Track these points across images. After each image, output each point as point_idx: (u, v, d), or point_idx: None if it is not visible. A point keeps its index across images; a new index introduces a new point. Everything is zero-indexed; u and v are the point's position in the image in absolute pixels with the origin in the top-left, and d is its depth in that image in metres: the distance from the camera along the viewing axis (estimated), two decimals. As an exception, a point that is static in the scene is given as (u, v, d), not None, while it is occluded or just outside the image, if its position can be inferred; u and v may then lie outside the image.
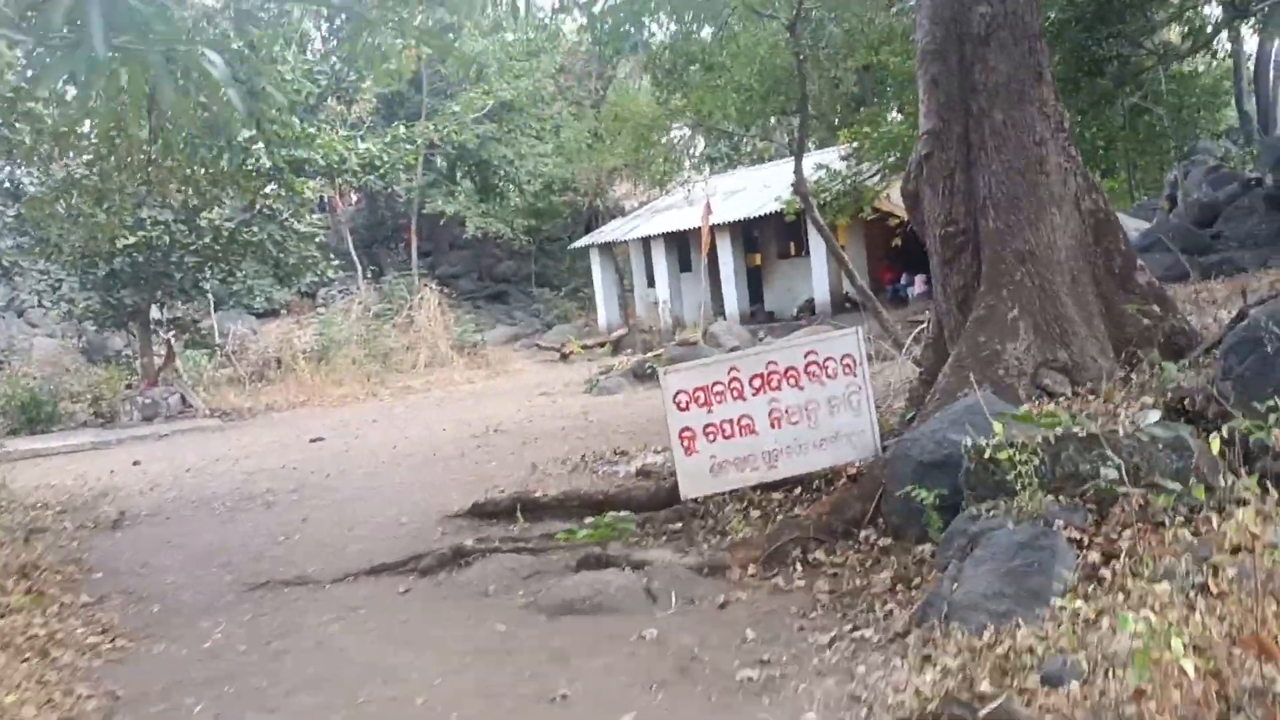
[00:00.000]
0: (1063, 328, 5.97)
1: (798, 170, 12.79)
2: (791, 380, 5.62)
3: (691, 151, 35.58)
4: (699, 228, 23.64)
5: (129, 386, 21.42)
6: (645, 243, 26.41)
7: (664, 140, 32.06)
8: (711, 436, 5.60)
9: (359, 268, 30.36)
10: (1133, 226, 22.09)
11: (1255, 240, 19.33)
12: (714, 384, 5.53)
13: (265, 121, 9.75)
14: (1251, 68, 27.50)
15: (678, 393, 5.54)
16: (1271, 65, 27.47)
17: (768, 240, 25.06)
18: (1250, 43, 26.01)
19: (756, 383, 5.60)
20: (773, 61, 14.12)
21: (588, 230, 33.60)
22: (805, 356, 5.66)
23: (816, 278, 22.00)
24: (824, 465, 5.87)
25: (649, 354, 18.36)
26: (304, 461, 12.43)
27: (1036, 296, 5.95)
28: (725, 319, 22.61)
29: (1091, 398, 5.64)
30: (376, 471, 10.74)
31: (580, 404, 15.45)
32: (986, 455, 4.60)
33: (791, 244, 24.49)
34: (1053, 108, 6.22)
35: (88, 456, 16.65)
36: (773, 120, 34.28)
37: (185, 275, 20.61)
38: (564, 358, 24.95)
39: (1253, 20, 21.46)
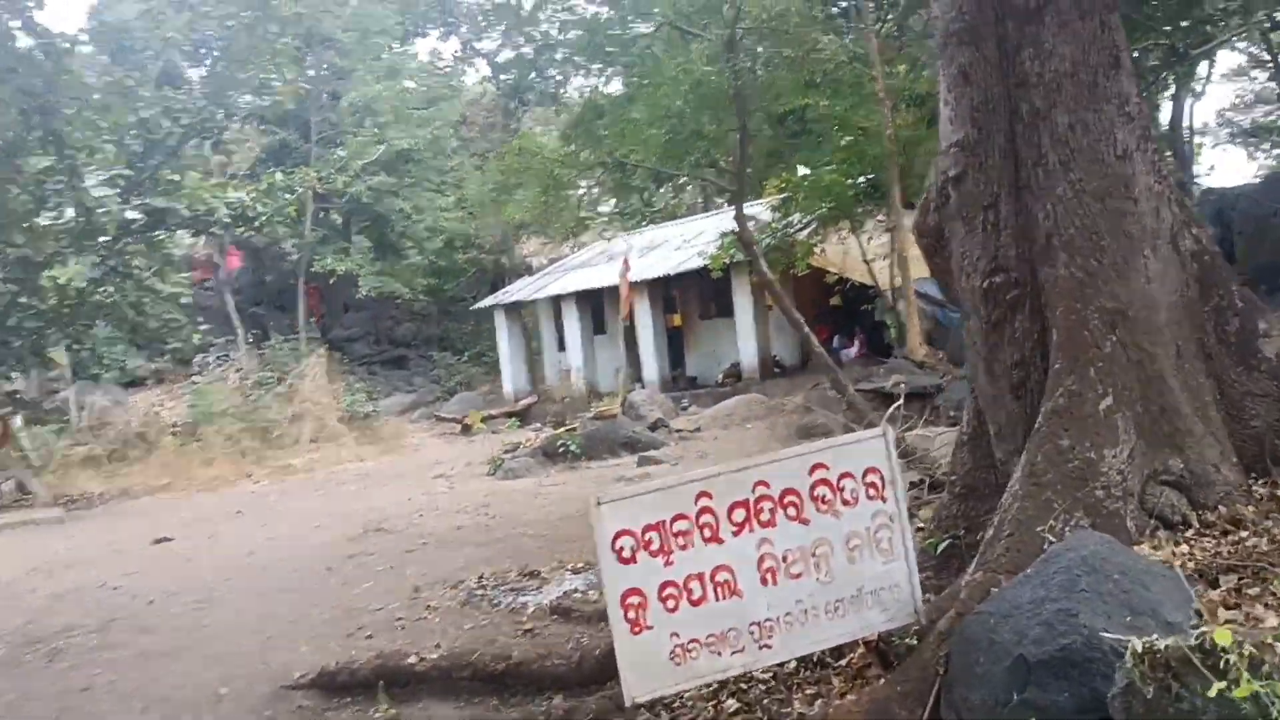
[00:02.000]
0: (1173, 423, 4.12)
1: (739, 214, 11.00)
2: (791, 510, 3.61)
3: (599, 207, 33.90)
4: (616, 286, 21.75)
5: (-46, 472, 18.42)
6: (556, 303, 24.41)
7: (573, 194, 30.38)
8: (671, 603, 3.53)
9: (240, 332, 27.66)
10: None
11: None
12: (674, 519, 3.48)
13: (67, 146, 7.53)
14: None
15: (619, 535, 3.47)
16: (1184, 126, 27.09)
17: (689, 300, 23.28)
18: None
19: (739, 515, 3.57)
20: (700, 92, 12.35)
21: (493, 290, 31.46)
22: (811, 473, 3.65)
23: (742, 340, 20.22)
24: (842, 639, 3.85)
25: (560, 429, 16.22)
26: (133, 577, 9.92)
27: (1135, 377, 4.09)
28: (644, 386, 20.63)
29: (1237, 530, 3.77)
30: (214, 598, 8.34)
31: (482, 491, 13.20)
32: (1171, 670, 2.62)
33: (714, 304, 22.75)
34: (1136, 107, 4.41)
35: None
36: (684, 179, 32.95)
37: (25, 341, 17.79)
38: (466, 430, 22.62)
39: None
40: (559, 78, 38.69)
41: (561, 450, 14.67)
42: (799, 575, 3.66)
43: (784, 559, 3.65)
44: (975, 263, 4.34)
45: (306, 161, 25.95)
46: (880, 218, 17.25)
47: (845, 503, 3.71)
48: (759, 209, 19.59)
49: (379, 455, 20.59)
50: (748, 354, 20.13)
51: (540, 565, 7.82)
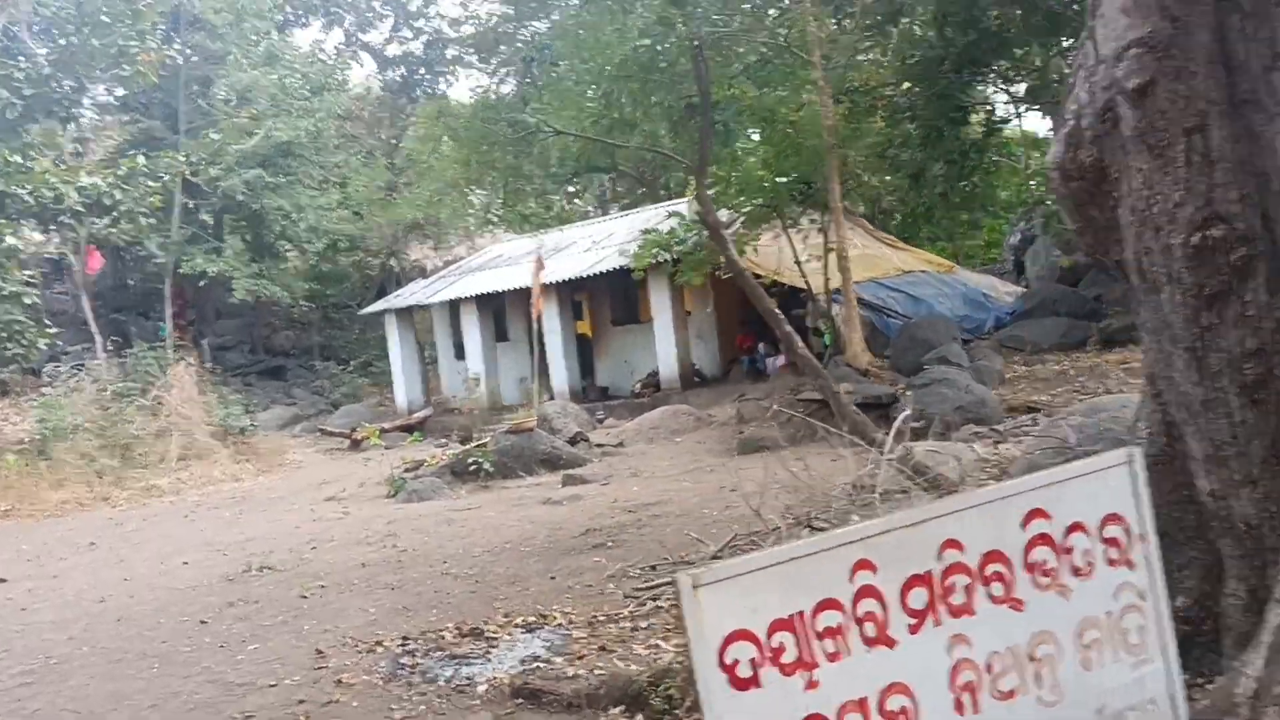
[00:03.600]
0: None
1: (701, 193, 9.64)
2: (997, 586, 2.23)
3: (492, 209, 32.20)
4: (519, 290, 20.15)
5: None
6: (453, 307, 22.64)
7: (470, 195, 28.69)
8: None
9: (98, 339, 24.95)
10: (1003, 289, 20.33)
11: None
12: (819, 609, 2.08)
13: None
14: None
15: (731, 639, 2.04)
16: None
17: (598, 305, 21.84)
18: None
19: (918, 598, 2.18)
20: (640, 59, 10.85)
21: (380, 295, 29.44)
22: (1025, 525, 2.28)
23: (661, 347, 18.86)
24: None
25: (468, 444, 14.56)
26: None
27: None
28: (552, 397, 19.08)
29: None
30: (50, 668, 6.48)
31: (384, 518, 11.47)
32: None
33: (625, 309, 21.37)
34: None
35: None
36: (579, 184, 31.55)
37: None
38: (355, 445, 20.65)
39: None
40: (450, 76, 37.06)
41: (473, 468, 13.04)
42: (1011, 694, 2.27)
43: (988, 668, 2.26)
44: (1172, 210, 3.03)
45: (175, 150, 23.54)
46: (813, 216, 16.17)
47: (1076, 571, 2.35)
48: (665, 212, 18.37)
49: (257, 474, 18.54)
50: (667, 363, 18.78)
51: (478, 619, 6.24)
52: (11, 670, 6.50)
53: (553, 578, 7.30)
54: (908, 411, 6.92)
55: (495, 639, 5.77)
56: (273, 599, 7.80)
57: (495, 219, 26.22)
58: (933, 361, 13.15)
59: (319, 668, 5.73)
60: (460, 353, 23.09)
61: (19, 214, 15.33)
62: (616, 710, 4.28)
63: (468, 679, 5.15)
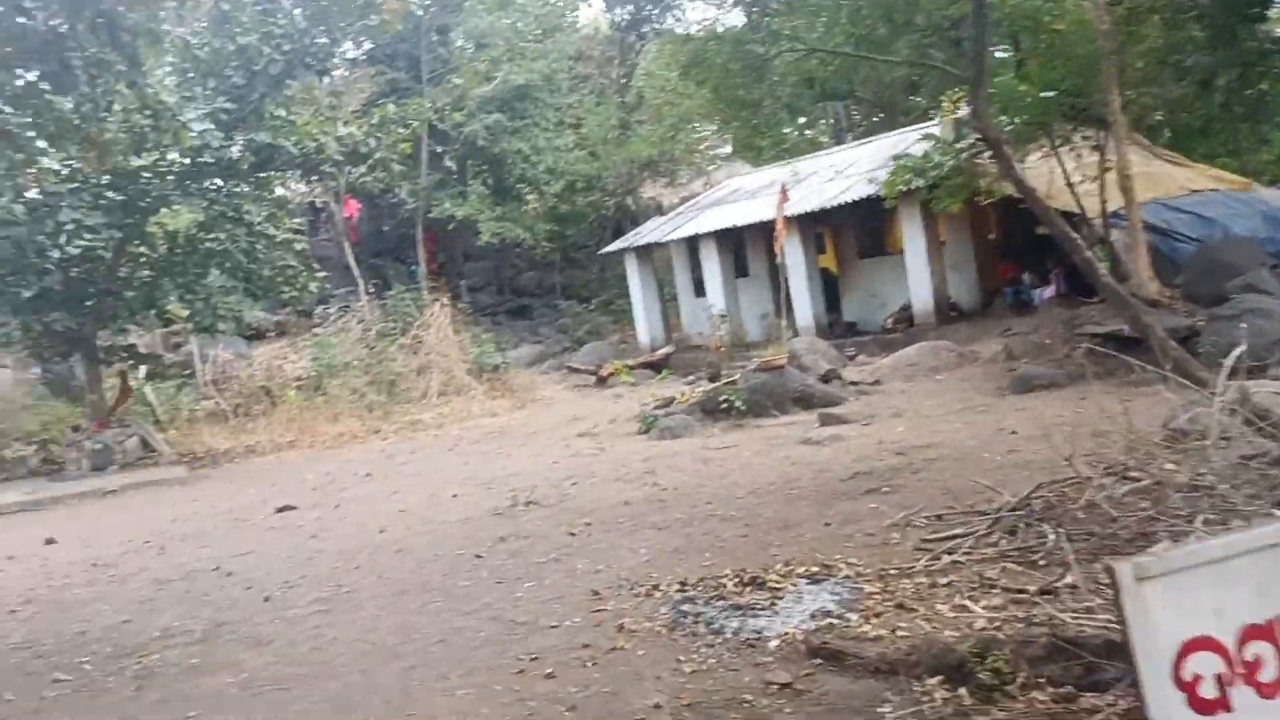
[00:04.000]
0: None
1: (977, 107, 8.75)
2: None
3: (726, 142, 31.64)
4: (760, 223, 19.64)
5: (76, 429, 17.59)
6: (691, 244, 22.41)
7: (704, 128, 28.30)
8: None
9: (360, 283, 26.50)
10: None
11: None
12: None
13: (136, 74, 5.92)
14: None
15: (1189, 648, 1.58)
16: None
17: (843, 237, 21.00)
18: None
19: None
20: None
21: (617, 235, 29.67)
22: None
23: (914, 280, 17.86)
24: None
25: (718, 381, 14.30)
26: (250, 559, 8.48)
27: None
28: (796, 333, 18.53)
29: None
30: (340, 597, 6.73)
31: (639, 455, 11.41)
32: None
33: (872, 240, 20.44)
34: None
35: (6, 526, 12.84)
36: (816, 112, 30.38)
37: (137, 293, 16.74)
38: (601, 381, 20.95)
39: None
40: (678, 11, 36.51)
41: (724, 406, 12.78)
42: None
43: None
44: None
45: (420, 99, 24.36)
46: (1086, 133, 14.69)
47: None
48: (916, 136, 17.21)
49: (511, 410, 19.09)
50: (920, 296, 17.78)
51: (755, 565, 5.93)
52: (308, 597, 6.79)
53: (827, 524, 6.89)
54: (1242, 346, 5.96)
55: (779, 589, 5.43)
56: (542, 535, 7.82)
57: (729, 153, 25.70)
58: (1237, 289, 11.64)
59: (597, 610, 5.59)
60: (700, 289, 22.89)
61: (285, 165, 16.19)
62: (934, 680, 3.83)
63: (756, 633, 4.84)
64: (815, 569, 5.71)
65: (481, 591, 6.36)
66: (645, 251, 23.45)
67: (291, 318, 27.13)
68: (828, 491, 7.99)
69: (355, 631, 5.80)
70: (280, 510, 10.99)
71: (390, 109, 16.02)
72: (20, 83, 5.92)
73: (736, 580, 5.63)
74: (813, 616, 4.93)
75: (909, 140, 17.62)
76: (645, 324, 23.21)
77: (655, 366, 21.10)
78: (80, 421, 18.01)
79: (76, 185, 14.46)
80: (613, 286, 30.03)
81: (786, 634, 4.72)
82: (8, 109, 6.44)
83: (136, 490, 14.79)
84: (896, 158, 15.26)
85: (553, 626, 5.40)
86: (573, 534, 7.69)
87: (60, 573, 8.96)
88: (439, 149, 26.52)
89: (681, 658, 4.65)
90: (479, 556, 7.33)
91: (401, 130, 16.21)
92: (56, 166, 13.30)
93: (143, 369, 19.18)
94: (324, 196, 27.30)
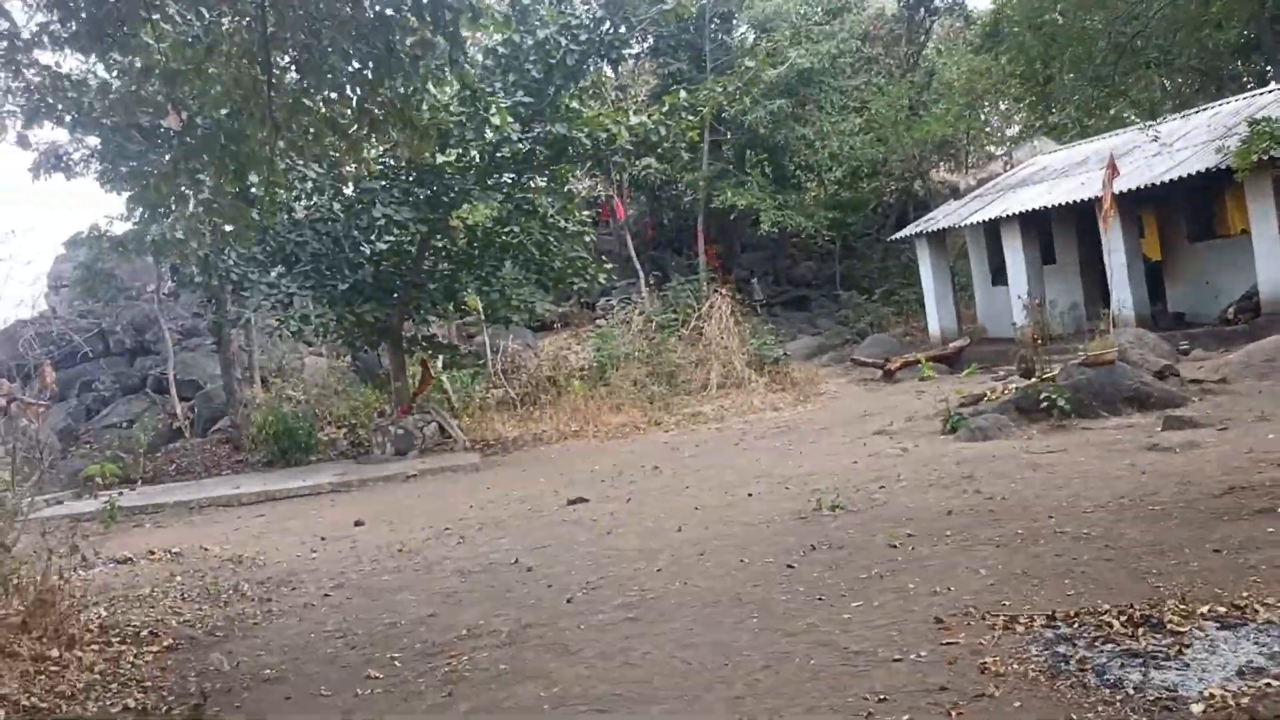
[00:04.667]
0: None
1: None
2: None
3: (1027, 119, 29.28)
4: (1072, 204, 17.81)
5: (381, 414, 18.58)
6: (989, 229, 20.77)
7: (1004, 105, 26.32)
8: None
9: (640, 274, 26.66)
10: None
11: None
12: None
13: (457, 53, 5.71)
14: None
15: None
16: None
17: (1169, 218, 18.72)
18: None
19: None
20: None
21: (900, 222, 28.20)
22: None
23: (1263, 264, 15.52)
24: None
25: (1032, 376, 12.92)
26: (548, 553, 8.27)
27: None
28: (1115, 325, 16.62)
29: None
30: (646, 603, 6.27)
31: (949, 457, 10.39)
32: None
33: (1204, 222, 18.07)
34: None
35: (320, 505, 13.61)
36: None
37: (439, 285, 17.40)
38: (888, 376, 19.85)
39: None
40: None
41: (1044, 405, 11.46)
42: None
43: None
44: None
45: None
46: None
47: None
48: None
49: (794, 404, 18.39)
50: (1272, 282, 15.43)
51: (1137, 600, 4.91)
52: (613, 602, 6.40)
53: (1216, 550, 5.72)
54: None
55: (1181, 633, 4.41)
56: (857, 545, 7.06)
57: (1032, 129, 23.64)
58: None
59: (947, 643, 4.78)
60: (998, 278, 21.22)
61: (577, 157, 16.23)
62: None
63: (1168, 690, 3.87)
64: (1222, 609, 4.63)
65: (802, 609, 5.70)
66: (938, 238, 22.01)
67: (574, 309, 27.74)
68: (1201, 510, 6.72)
69: (669, 647, 5.30)
70: (573, 502, 10.85)
71: (682, 95, 15.67)
72: (351, 69, 5.86)
73: (1124, 619, 4.64)
74: (1240, 674, 3.91)
75: (1258, 105, 15.33)
76: (936, 315, 21.79)
77: (947, 360, 19.73)
78: (385, 407, 19.05)
79: (387, 183, 15.12)
80: (896, 276, 28.64)
81: (1212, 695, 3.73)
82: (334, 96, 6.44)
83: (434, 475, 15.31)
84: (1253, 123, 13.20)
85: (895, 659, 4.65)
86: (894, 546, 6.88)
87: (368, 556, 9.15)
88: (718, 138, 26.18)
89: (1074, 717, 3.77)
90: (791, 567, 6.68)
91: (690, 118, 15.83)
92: (372, 157, 13.88)
93: (440, 359, 20.01)
94: (607, 190, 27.66)
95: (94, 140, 14.57)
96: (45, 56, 6.75)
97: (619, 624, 5.88)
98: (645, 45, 28.18)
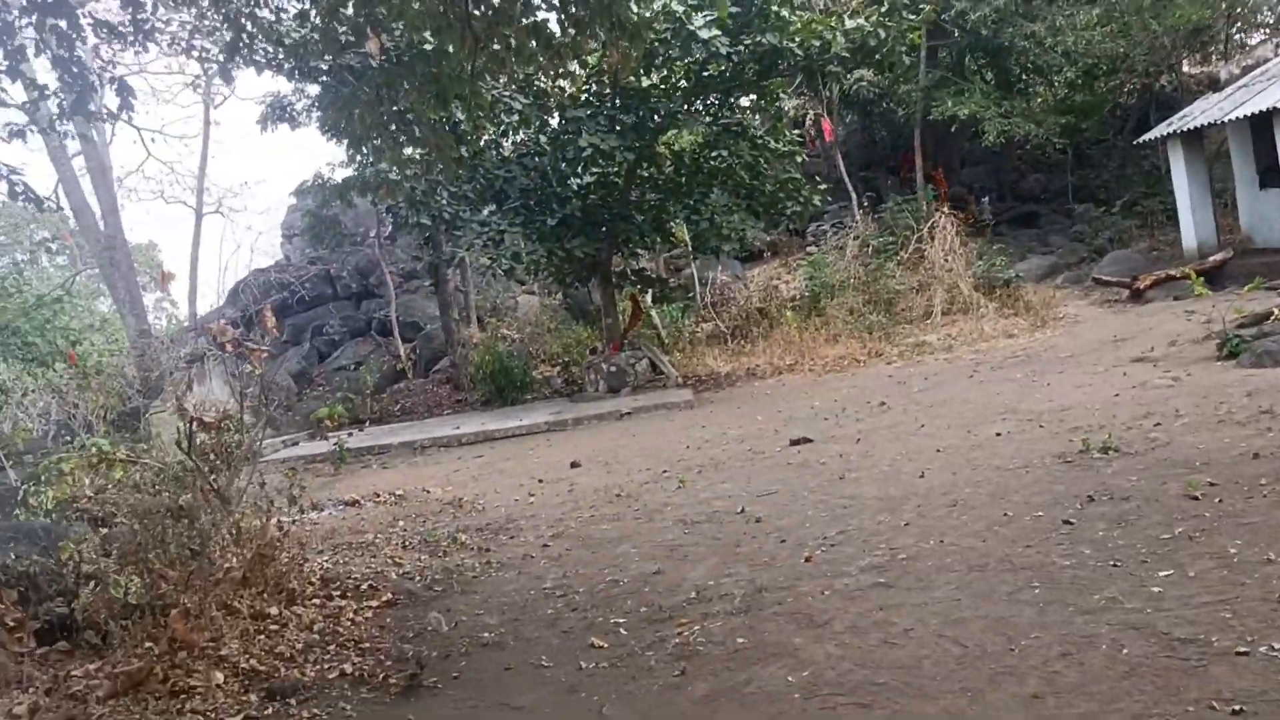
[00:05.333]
0: None
1: None
2: None
3: None
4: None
5: (593, 351, 18.38)
6: (1258, 123, 18.20)
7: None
8: None
9: (853, 197, 25.25)
10: None
11: None
12: None
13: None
14: None
15: None
16: None
17: None
18: None
19: None
20: None
21: (1141, 126, 25.38)
22: None
23: None
24: None
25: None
26: (771, 501, 7.61)
27: None
28: None
29: None
30: (898, 565, 5.50)
31: (1234, 387, 8.96)
32: None
33: None
34: None
35: (536, 445, 13.53)
36: None
37: (646, 217, 16.85)
38: (1136, 295, 17.88)
39: None
40: None
41: (1353, 324, 9.76)
42: None
43: None
44: None
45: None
46: None
47: None
48: None
49: (1030, 330, 16.85)
50: None
51: None
52: (858, 563, 5.66)
53: None
54: None
55: None
56: (1145, 495, 6.01)
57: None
58: None
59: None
60: (1266, 180, 18.67)
61: (790, 70, 15.15)
62: None
63: None
64: None
65: (1095, 578, 4.78)
66: (1194, 137, 19.53)
67: (784, 237, 26.68)
68: None
69: (934, 623, 4.53)
70: (795, 443, 10.13)
71: (901, -9, 14.30)
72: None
73: None
74: None
75: None
76: (1192, 225, 19.43)
77: (1207, 275, 17.52)
78: (597, 344, 18.84)
79: (592, 111, 14.61)
80: (1137, 184, 25.91)
81: None
82: (540, 3, 5.85)
83: (648, 414, 14.93)
84: None
85: (1240, 652, 3.71)
86: (1195, 498, 5.79)
87: (586, 502, 8.78)
88: (935, 44, 24.21)
89: None
90: (1068, 523, 5.73)
91: (912, 17, 14.43)
92: (578, 80, 13.39)
93: (650, 293, 19.58)
94: (815, 109, 26.24)
95: (314, 89, 14.80)
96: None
97: (869, 590, 5.14)
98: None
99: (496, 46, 5.88)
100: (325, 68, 12.08)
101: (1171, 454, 6.96)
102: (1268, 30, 27.22)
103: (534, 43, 5.92)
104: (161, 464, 7.80)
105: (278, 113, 19.06)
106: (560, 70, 6.36)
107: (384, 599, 6.09)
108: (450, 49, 6.36)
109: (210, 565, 5.94)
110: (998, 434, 8.80)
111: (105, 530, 7.44)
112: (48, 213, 27.75)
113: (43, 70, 6.43)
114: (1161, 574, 4.66)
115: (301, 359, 22.99)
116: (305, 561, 6.42)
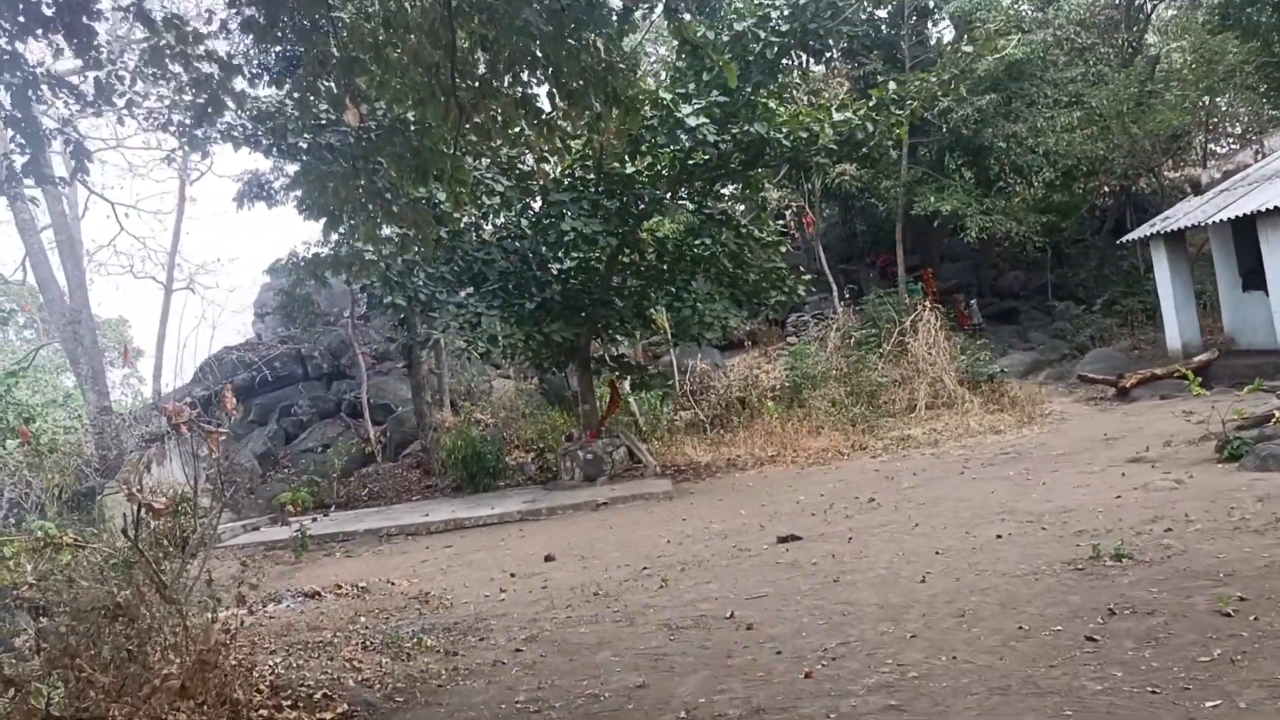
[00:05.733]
0: None
1: None
2: None
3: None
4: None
5: (569, 438, 17.87)
6: (1239, 228, 18.25)
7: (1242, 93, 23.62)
8: None
9: (834, 289, 25.16)
10: None
11: None
12: None
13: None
14: None
15: None
16: None
17: None
18: None
19: None
20: None
21: (1119, 226, 25.64)
22: None
23: None
24: None
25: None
26: (767, 605, 7.09)
27: None
28: None
29: None
30: (904, 684, 4.98)
31: (1242, 492, 8.58)
32: None
33: None
34: None
35: (508, 535, 12.93)
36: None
37: (627, 303, 16.53)
38: (1122, 394, 17.68)
39: None
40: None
41: (1359, 428, 9.46)
42: None
43: None
44: None
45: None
46: None
47: None
48: None
49: (1017, 426, 16.53)
50: None
51: None
52: (864, 680, 5.14)
53: None
54: None
55: None
56: (1173, 611, 5.55)
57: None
58: None
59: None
60: (1249, 282, 18.66)
61: (775, 160, 15.04)
62: None
63: None
64: None
65: (1132, 706, 4.29)
66: (1176, 238, 19.58)
67: (763, 327, 26.49)
68: None
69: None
70: (783, 540, 9.64)
71: (891, 87, 14.26)
72: (546, 28, 4.92)
73: None
74: None
75: None
76: (1176, 325, 19.34)
77: (1194, 374, 17.31)
78: (573, 430, 18.34)
79: (576, 195, 14.37)
80: (1116, 284, 26.04)
81: None
82: (525, 75, 5.53)
83: (625, 504, 14.40)
84: None
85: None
86: (1226, 614, 5.34)
87: (562, 600, 8.22)
88: (916, 141, 24.40)
89: None
90: (1091, 639, 5.25)
91: (899, 112, 14.37)
92: (563, 164, 13.14)
93: (628, 380, 19.17)
94: (796, 201, 26.28)
95: (294, 168, 14.53)
96: (219, 47, 6.16)
97: (880, 714, 4.62)
98: (840, 46, 26.75)
99: (480, 119, 5.54)
100: (304, 145, 11.82)
101: (1190, 563, 6.53)
102: (1235, 140, 27.79)
103: (522, 116, 5.59)
104: (112, 549, 7.22)
105: (254, 190, 18.78)
106: (550, 146, 6.01)
107: (339, 710, 5.50)
108: (432, 122, 6.04)
109: (146, 671, 5.35)
110: (998, 536, 8.35)
111: (44, 622, 6.83)
112: (13, 285, 27.17)
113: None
114: (1208, 704, 4.18)
115: (268, 439, 22.29)
116: (254, 666, 5.81)
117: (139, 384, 31.50)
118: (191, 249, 68.51)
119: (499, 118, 5.62)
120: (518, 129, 5.75)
